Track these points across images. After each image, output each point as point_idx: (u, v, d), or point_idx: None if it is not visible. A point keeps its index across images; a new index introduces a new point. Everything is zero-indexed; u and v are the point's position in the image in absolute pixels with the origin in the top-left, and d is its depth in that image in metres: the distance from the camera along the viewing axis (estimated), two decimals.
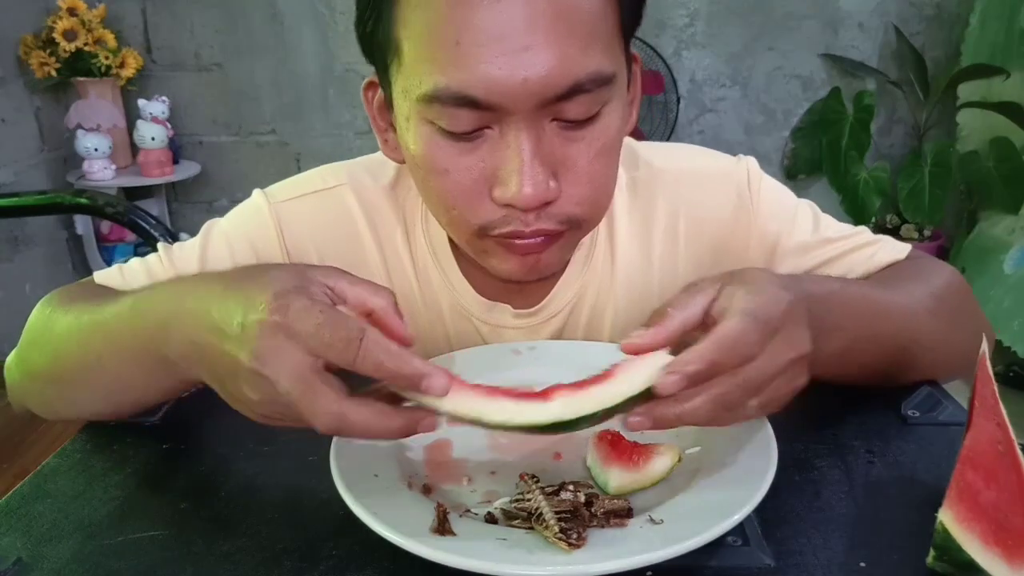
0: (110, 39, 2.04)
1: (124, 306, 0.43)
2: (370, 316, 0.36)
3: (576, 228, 0.47)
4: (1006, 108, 1.88)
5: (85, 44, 1.99)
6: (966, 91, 2.04)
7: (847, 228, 0.58)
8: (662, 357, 0.35)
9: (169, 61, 2.22)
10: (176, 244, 0.57)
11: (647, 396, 0.34)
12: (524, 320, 0.57)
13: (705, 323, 0.36)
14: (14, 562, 0.36)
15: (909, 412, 0.49)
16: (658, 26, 2.17)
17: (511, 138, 0.42)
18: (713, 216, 0.58)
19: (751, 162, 0.59)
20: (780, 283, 0.37)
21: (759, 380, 0.35)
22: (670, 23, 2.16)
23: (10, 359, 0.53)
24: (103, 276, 0.56)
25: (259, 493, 0.42)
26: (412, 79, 0.42)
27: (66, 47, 1.96)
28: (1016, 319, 1.72)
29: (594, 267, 0.57)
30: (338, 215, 0.57)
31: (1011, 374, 1.79)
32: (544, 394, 0.35)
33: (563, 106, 0.42)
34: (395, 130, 0.49)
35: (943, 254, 2.18)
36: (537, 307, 0.57)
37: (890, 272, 0.55)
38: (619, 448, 0.39)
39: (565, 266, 0.56)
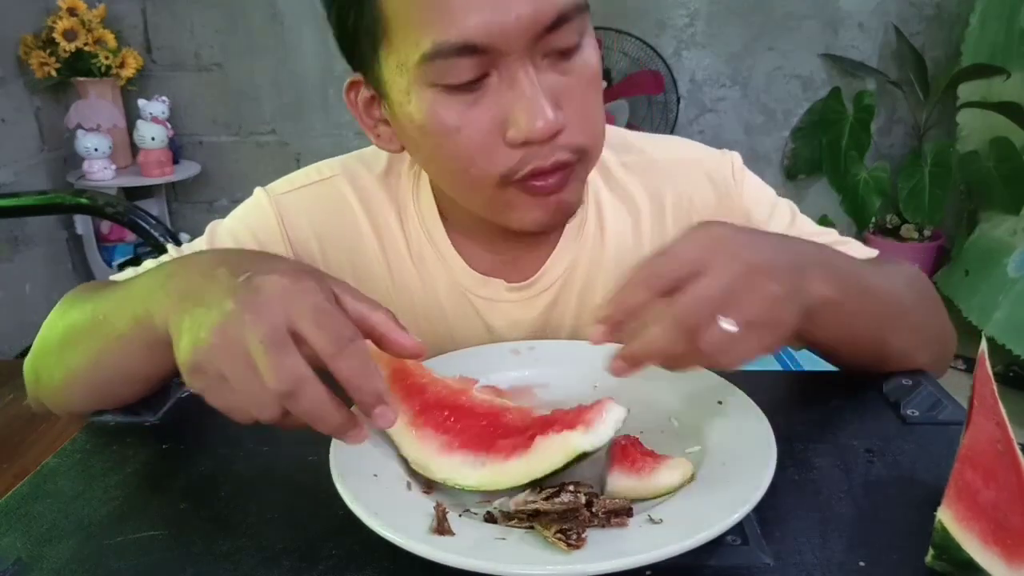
0: (110, 39, 2.05)
1: (151, 271, 0.46)
2: (371, 335, 0.38)
3: (584, 159, 0.49)
4: (1006, 108, 1.88)
5: (85, 44, 1.99)
6: (966, 91, 2.04)
7: (820, 228, 0.61)
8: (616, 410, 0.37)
9: (169, 61, 2.22)
10: (184, 245, 0.60)
11: (581, 459, 0.36)
12: (518, 294, 0.59)
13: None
14: (14, 562, 0.36)
15: (909, 412, 0.49)
16: (658, 26, 2.17)
17: (512, 78, 0.45)
18: (699, 201, 0.61)
19: (735, 156, 0.62)
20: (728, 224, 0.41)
21: (712, 293, 0.36)
22: (670, 23, 2.16)
23: (27, 361, 0.54)
24: (116, 276, 0.57)
25: (259, 493, 0.42)
26: (407, 48, 0.45)
27: (66, 47, 1.96)
28: None
29: (584, 240, 0.59)
30: (335, 204, 0.59)
31: (1011, 374, 1.79)
32: (489, 445, 0.39)
33: (551, 37, 0.45)
34: (386, 123, 0.52)
35: (943, 254, 2.18)
36: (530, 280, 0.59)
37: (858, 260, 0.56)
38: (628, 454, 0.39)
39: (557, 240, 0.59)
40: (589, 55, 0.47)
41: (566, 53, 0.46)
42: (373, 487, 0.38)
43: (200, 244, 0.59)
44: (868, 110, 2.10)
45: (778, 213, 0.61)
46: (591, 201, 0.59)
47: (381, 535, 0.34)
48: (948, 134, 2.14)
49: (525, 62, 0.44)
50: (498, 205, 0.49)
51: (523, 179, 0.47)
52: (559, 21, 0.44)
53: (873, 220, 2.19)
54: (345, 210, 0.59)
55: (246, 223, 0.59)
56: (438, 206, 0.58)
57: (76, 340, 0.48)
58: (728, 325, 0.35)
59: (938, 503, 0.34)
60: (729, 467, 0.39)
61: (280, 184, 0.61)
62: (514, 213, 0.50)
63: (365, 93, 0.51)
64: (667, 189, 0.60)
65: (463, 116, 0.45)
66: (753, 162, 0.64)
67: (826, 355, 0.52)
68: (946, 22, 2.10)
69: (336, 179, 0.60)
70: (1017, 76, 1.89)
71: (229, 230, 0.59)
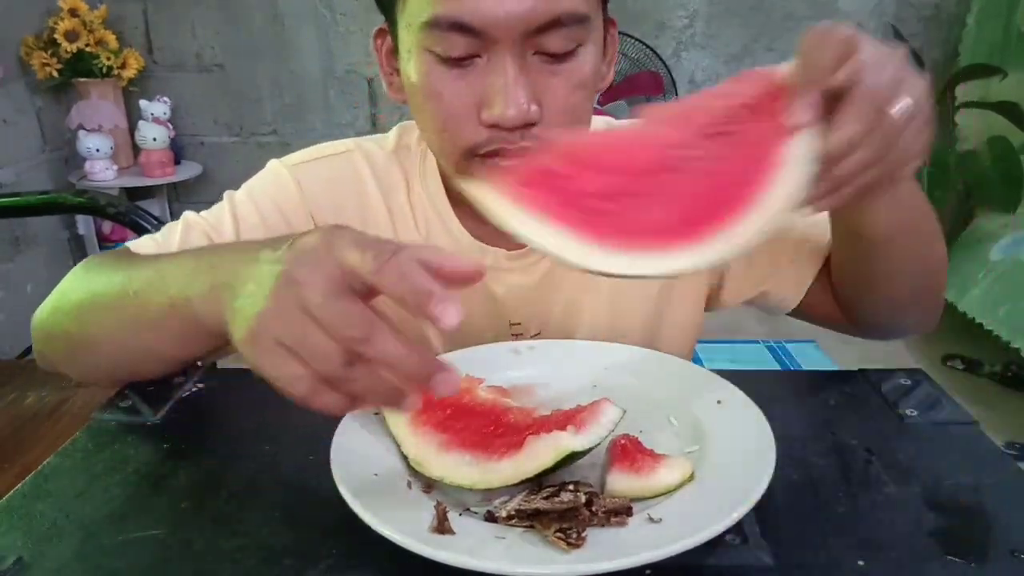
0: (111, 40, 2.05)
1: (183, 255, 0.46)
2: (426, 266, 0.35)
3: None
4: (1004, 108, 1.88)
5: (87, 45, 1.99)
6: (964, 91, 2.04)
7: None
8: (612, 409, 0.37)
9: (170, 62, 2.23)
10: (204, 212, 0.60)
11: (572, 459, 0.36)
12: (517, 262, 0.61)
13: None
14: (14, 561, 0.36)
15: (907, 412, 0.49)
16: (657, 27, 2.17)
17: (497, 64, 0.47)
18: None
19: None
20: None
21: (884, 74, 0.35)
22: (669, 24, 2.16)
23: (37, 314, 0.53)
24: (135, 244, 0.58)
25: (259, 493, 0.42)
26: (414, 12, 0.48)
27: (68, 48, 1.96)
28: (1003, 305, 1.72)
29: None
30: (351, 176, 0.62)
31: (1010, 373, 1.79)
32: (485, 446, 0.38)
33: (543, 38, 0.47)
34: (399, 73, 0.54)
35: None
36: (527, 248, 0.59)
37: None
38: (628, 453, 0.39)
39: None
40: (583, 63, 0.49)
41: (558, 56, 0.48)
42: (373, 486, 0.38)
43: (223, 210, 0.59)
44: None
45: None
46: None
47: (381, 535, 0.34)
48: (946, 134, 2.14)
49: (514, 53, 0.47)
50: (462, 171, 0.52)
51: (486, 155, 0.50)
52: (551, 25, 0.46)
53: None
54: (359, 183, 0.61)
55: (267, 193, 0.60)
56: (443, 179, 0.60)
57: (100, 311, 0.48)
58: (906, 101, 0.36)
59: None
60: (729, 467, 0.39)
61: (294, 156, 0.62)
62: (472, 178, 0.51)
63: (389, 42, 0.55)
64: None
65: (448, 86, 0.49)
66: None
67: (871, 255, 0.52)
68: (944, 22, 2.10)
69: (351, 153, 0.62)
70: (1014, 76, 1.89)
71: (252, 200, 0.59)
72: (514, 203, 0.36)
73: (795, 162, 0.34)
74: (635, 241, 0.34)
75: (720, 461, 0.39)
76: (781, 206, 0.34)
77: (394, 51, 0.54)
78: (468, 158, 0.51)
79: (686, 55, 2.19)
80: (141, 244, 0.58)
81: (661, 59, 2.14)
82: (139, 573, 0.36)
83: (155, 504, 0.41)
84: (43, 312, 0.53)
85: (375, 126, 2.27)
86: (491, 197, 0.36)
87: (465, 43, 0.47)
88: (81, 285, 0.51)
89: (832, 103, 0.36)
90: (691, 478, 0.38)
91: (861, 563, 0.35)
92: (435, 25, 0.47)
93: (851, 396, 0.51)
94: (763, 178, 0.34)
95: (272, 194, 0.60)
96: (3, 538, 0.38)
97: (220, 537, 0.38)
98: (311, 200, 0.60)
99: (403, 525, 0.34)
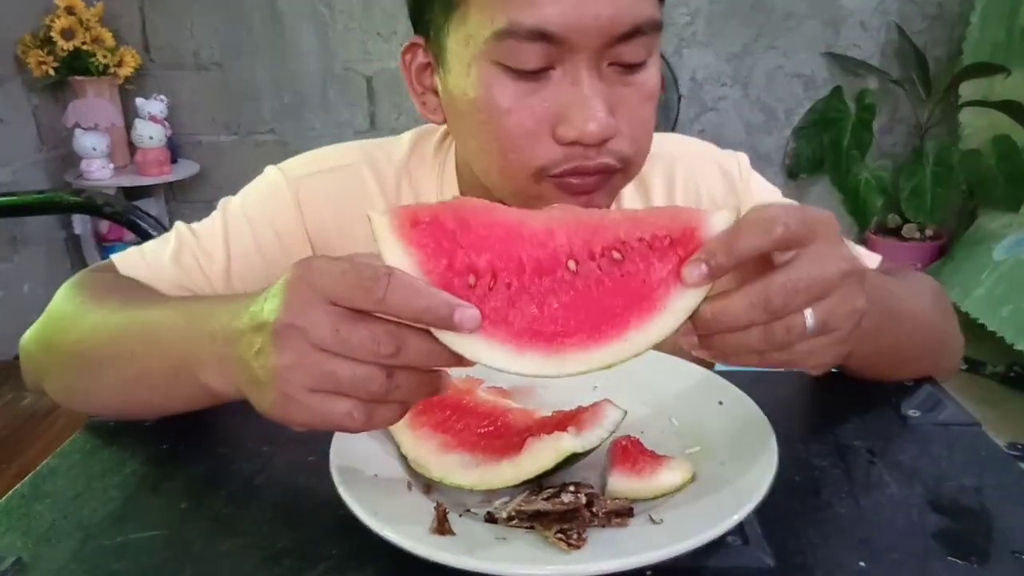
0: (108, 38, 2.04)
1: (173, 314, 0.43)
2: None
3: (625, 169, 0.49)
4: (1008, 106, 1.88)
5: (83, 43, 1.99)
6: (968, 90, 2.04)
7: None
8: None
9: (167, 60, 2.22)
10: (195, 225, 0.57)
11: (572, 460, 0.36)
12: None
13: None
14: (13, 562, 0.36)
15: (909, 412, 0.49)
16: None
17: (575, 77, 0.45)
18: (707, 192, 0.62)
19: (743, 157, 0.64)
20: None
21: (807, 280, 0.33)
22: (671, 22, 2.16)
23: (28, 338, 0.52)
24: (123, 262, 0.55)
25: (259, 493, 0.42)
26: (481, 23, 0.45)
27: (64, 46, 1.96)
28: (1006, 305, 1.73)
29: None
30: (356, 193, 0.58)
31: (1012, 374, 1.79)
32: (490, 447, 0.38)
33: (622, 48, 0.45)
34: (435, 92, 0.51)
35: (943, 253, 2.18)
36: None
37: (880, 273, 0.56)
38: (629, 455, 0.39)
39: None
40: (651, 75, 0.48)
41: (631, 67, 0.46)
42: (373, 487, 0.38)
43: (215, 228, 0.57)
44: (870, 109, 2.09)
45: None
46: None
47: (381, 535, 0.34)
48: (950, 133, 2.13)
49: (591, 64, 0.45)
50: (528, 196, 0.48)
51: (560, 174, 0.47)
52: (633, 32, 0.44)
53: (875, 220, 2.19)
54: (365, 200, 0.58)
55: (263, 207, 0.57)
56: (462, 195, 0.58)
57: (96, 361, 0.46)
58: (810, 319, 0.33)
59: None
60: (729, 467, 0.38)
61: (297, 164, 0.59)
62: (542, 206, 0.49)
63: (422, 59, 0.51)
64: (676, 178, 0.61)
65: (518, 102, 0.46)
66: (754, 162, 0.64)
67: (840, 366, 0.51)
68: (948, 21, 2.10)
69: (358, 166, 0.59)
70: (1018, 74, 1.89)
71: (246, 218, 0.57)
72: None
73: (670, 312, 0.33)
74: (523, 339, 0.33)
75: (721, 462, 0.39)
76: (637, 348, 0.33)
77: (429, 68, 0.51)
78: (539, 179, 0.47)
79: (688, 53, 2.18)
80: (130, 263, 0.55)
81: (663, 57, 2.14)
82: (138, 573, 0.36)
83: (154, 505, 0.41)
84: (32, 343, 0.51)
85: (374, 124, 2.26)
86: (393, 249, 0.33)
87: (541, 53, 0.44)
88: (75, 321, 0.48)
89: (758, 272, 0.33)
90: (692, 479, 0.38)
91: (863, 564, 0.35)
92: (510, 34, 0.43)
93: (853, 397, 0.50)
94: (634, 317, 0.33)
95: (268, 211, 0.57)
96: (2, 539, 0.38)
97: (219, 537, 0.38)
98: (311, 219, 0.57)
99: (403, 526, 0.34)
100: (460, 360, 0.33)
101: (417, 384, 0.34)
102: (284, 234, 0.57)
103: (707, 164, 0.62)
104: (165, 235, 0.58)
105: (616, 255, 0.34)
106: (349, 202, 0.57)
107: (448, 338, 0.32)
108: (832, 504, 0.40)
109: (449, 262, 0.33)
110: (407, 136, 0.61)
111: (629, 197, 0.61)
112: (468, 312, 0.31)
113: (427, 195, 0.58)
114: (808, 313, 0.33)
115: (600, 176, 0.48)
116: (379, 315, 0.32)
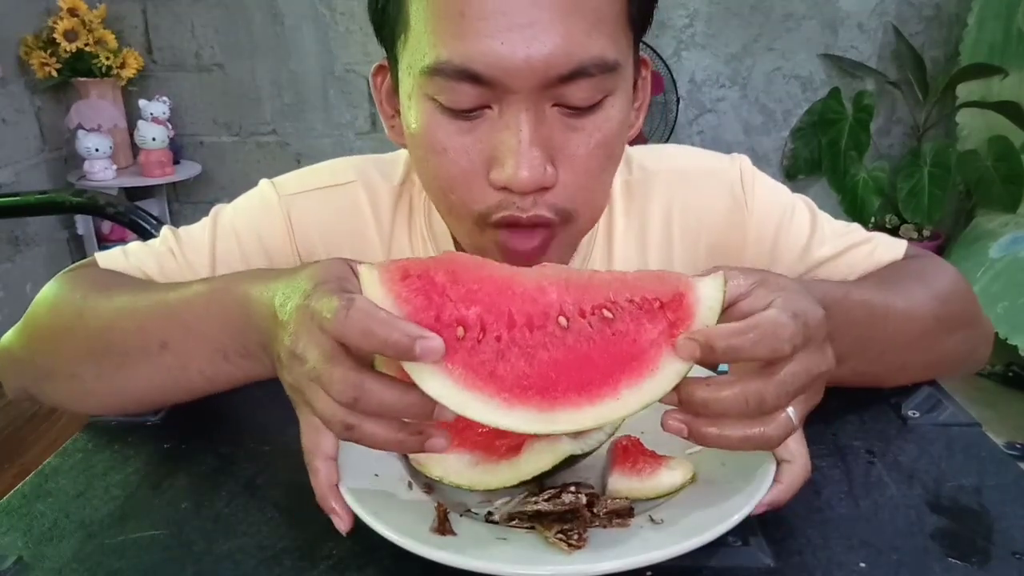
0: (111, 39, 2.05)
1: (196, 292, 0.44)
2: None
3: (570, 223, 0.46)
4: (1005, 107, 1.88)
5: (86, 44, 1.99)
6: (965, 91, 2.04)
7: (842, 225, 0.59)
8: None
9: (170, 61, 2.22)
10: (182, 230, 0.56)
11: (571, 462, 0.36)
12: None
13: (728, 317, 0.35)
14: (14, 561, 0.36)
15: (909, 412, 0.49)
16: (658, 26, 2.17)
17: (510, 119, 0.41)
18: (707, 215, 0.57)
19: (744, 161, 0.59)
20: (810, 295, 0.36)
21: (794, 385, 0.33)
22: (670, 23, 2.16)
23: (10, 342, 0.51)
24: (105, 260, 0.54)
25: (259, 493, 0.42)
26: (416, 53, 0.42)
27: (67, 47, 1.96)
28: (1001, 302, 1.73)
29: (592, 265, 0.58)
30: (348, 213, 0.57)
31: (1011, 374, 1.79)
32: (487, 448, 0.38)
33: (565, 89, 0.41)
34: (400, 115, 0.48)
35: (942, 255, 2.18)
36: None
37: (892, 271, 0.54)
38: (629, 455, 0.39)
39: (565, 262, 0.56)
40: (609, 117, 0.43)
41: (581, 110, 0.42)
42: (373, 487, 0.38)
43: (204, 236, 0.55)
44: (867, 110, 2.09)
45: (797, 218, 0.57)
46: (601, 226, 0.57)
47: (381, 535, 0.34)
48: (947, 134, 2.14)
49: (530, 105, 0.41)
50: (477, 245, 0.47)
51: (497, 224, 0.44)
52: (575, 75, 0.40)
53: (872, 220, 2.19)
54: (358, 221, 0.56)
55: (252, 225, 0.56)
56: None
57: (122, 352, 0.45)
58: (794, 417, 0.34)
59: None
60: (730, 468, 0.39)
61: (290, 182, 0.57)
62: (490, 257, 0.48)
63: (389, 81, 0.49)
64: (673, 204, 0.57)
65: (453, 140, 0.43)
66: (753, 162, 0.63)
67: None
68: (945, 22, 2.10)
69: (353, 186, 0.57)
70: (1015, 75, 1.90)
71: (234, 230, 0.55)
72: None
73: (663, 375, 0.33)
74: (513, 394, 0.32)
75: (721, 462, 0.39)
76: (628, 408, 0.32)
77: (395, 88, 0.48)
78: (482, 227, 0.45)
79: (687, 54, 2.19)
80: (112, 262, 0.54)
81: (661, 58, 2.14)
82: (139, 573, 0.36)
83: (155, 504, 0.41)
84: (18, 347, 0.50)
85: (375, 125, 2.27)
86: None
87: (474, 93, 0.41)
88: (84, 322, 0.46)
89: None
90: (692, 479, 0.38)
91: (863, 565, 0.35)
92: (439, 72, 0.40)
93: (852, 397, 0.50)
94: (625, 376, 0.33)
95: (258, 228, 0.55)
96: (3, 538, 0.38)
97: (220, 537, 0.38)
98: (301, 238, 0.56)
99: (403, 526, 0.34)
100: (430, 412, 0.32)
101: (383, 433, 0.33)
102: (273, 252, 0.55)
103: (706, 182, 0.57)
104: (152, 240, 0.56)
105: (607, 313, 0.33)
106: (341, 224, 0.56)
107: (434, 390, 0.31)
108: (832, 504, 0.40)
109: (437, 314, 0.32)
110: (404, 155, 0.58)
111: (624, 242, 0.57)
112: (430, 343, 0.30)
113: (416, 217, 0.56)
114: (791, 411, 0.34)
115: (540, 233, 0.44)
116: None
